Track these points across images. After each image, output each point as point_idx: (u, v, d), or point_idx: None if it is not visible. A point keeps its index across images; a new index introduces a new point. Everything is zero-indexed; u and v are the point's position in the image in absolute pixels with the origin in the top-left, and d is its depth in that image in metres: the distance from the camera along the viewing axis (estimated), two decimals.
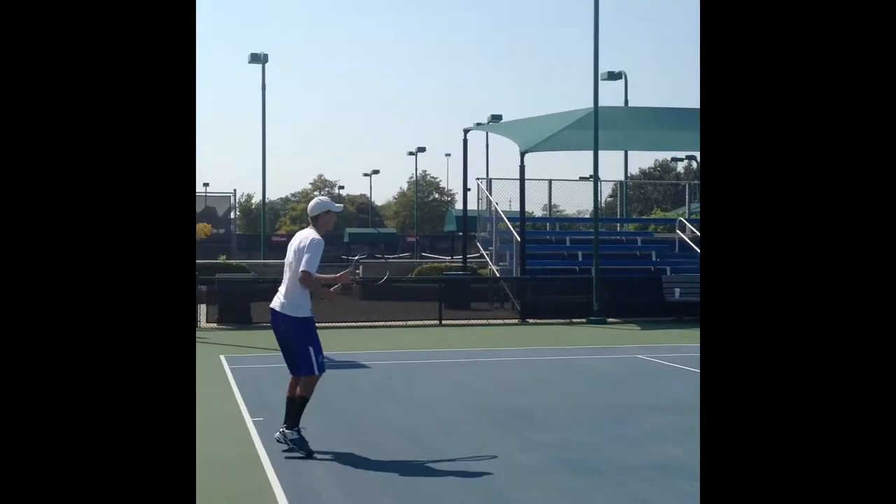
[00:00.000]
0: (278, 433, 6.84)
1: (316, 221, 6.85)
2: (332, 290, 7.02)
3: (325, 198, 7.12)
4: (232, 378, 10.79)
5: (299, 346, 6.74)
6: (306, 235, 6.80)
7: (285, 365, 6.97)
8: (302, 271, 6.60)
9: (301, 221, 77.35)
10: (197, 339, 15.45)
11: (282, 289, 6.84)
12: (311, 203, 6.97)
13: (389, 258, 43.67)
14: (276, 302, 6.83)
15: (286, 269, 6.85)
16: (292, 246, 6.83)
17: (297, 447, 6.66)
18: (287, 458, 6.64)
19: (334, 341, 14.85)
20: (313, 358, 6.72)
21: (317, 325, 6.99)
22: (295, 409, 6.77)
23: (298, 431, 6.73)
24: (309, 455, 6.60)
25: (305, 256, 6.61)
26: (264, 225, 34.79)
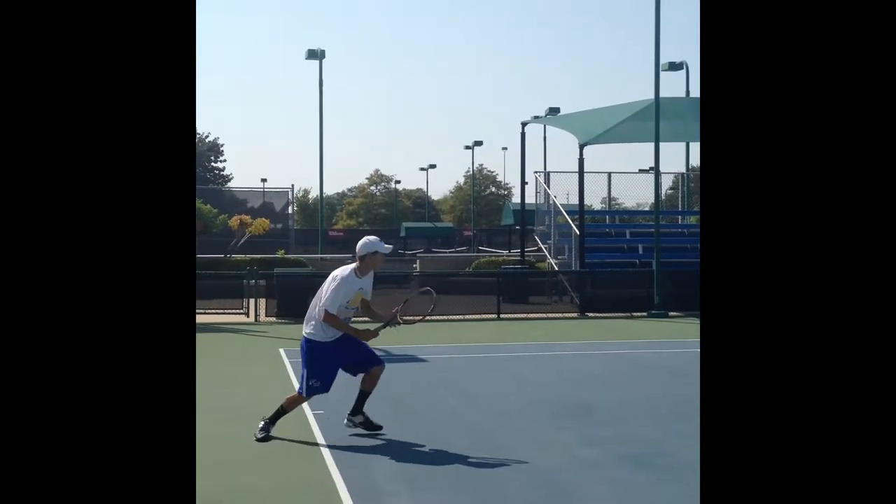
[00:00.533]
0: (346, 420, 7.22)
1: (363, 260, 7.00)
2: (374, 330, 7.13)
3: (374, 238, 7.16)
4: (291, 371, 10.86)
5: (302, 364, 7.11)
6: (337, 275, 6.97)
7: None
8: (322, 310, 6.87)
9: (357, 216, 78.00)
10: (256, 333, 15.62)
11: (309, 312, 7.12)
12: (360, 242, 7.09)
13: (445, 252, 43.69)
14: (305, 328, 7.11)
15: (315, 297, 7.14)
16: (327, 280, 7.04)
17: (366, 427, 7.13)
18: (350, 449, 6.64)
19: (393, 336, 14.85)
20: (304, 381, 7.03)
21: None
22: (274, 414, 7.14)
23: (364, 415, 7.18)
24: (377, 427, 7.10)
25: (326, 296, 6.86)
26: (322, 220, 35.04)
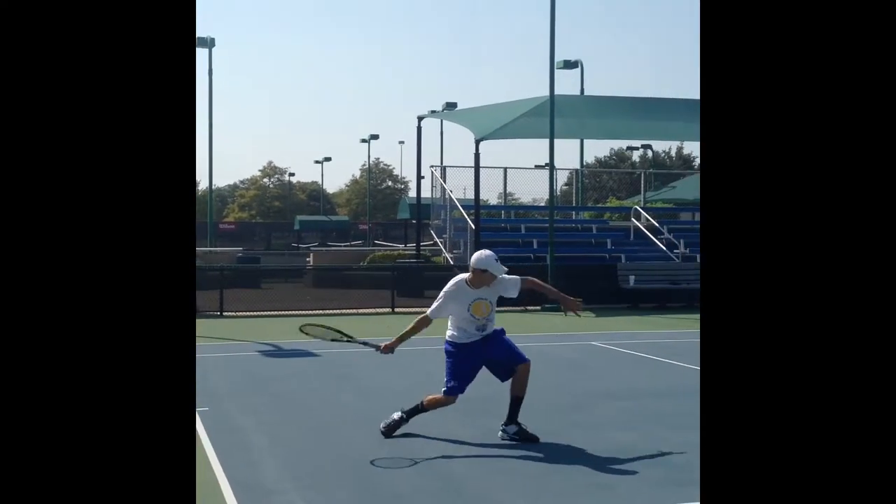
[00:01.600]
0: (501, 432, 6.84)
1: (473, 272, 6.90)
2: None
3: (490, 254, 6.95)
4: None
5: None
6: (455, 281, 6.97)
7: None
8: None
9: (249, 209, 76.62)
10: None
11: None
12: (475, 255, 6.99)
13: (340, 246, 43.35)
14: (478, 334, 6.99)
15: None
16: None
17: (521, 438, 6.71)
18: (234, 449, 6.39)
19: (285, 330, 14.58)
20: (446, 378, 6.88)
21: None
22: (412, 409, 6.98)
23: (518, 425, 6.78)
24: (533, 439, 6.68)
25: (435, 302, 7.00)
26: (211, 212, 34.18)
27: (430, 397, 6.94)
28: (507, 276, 6.96)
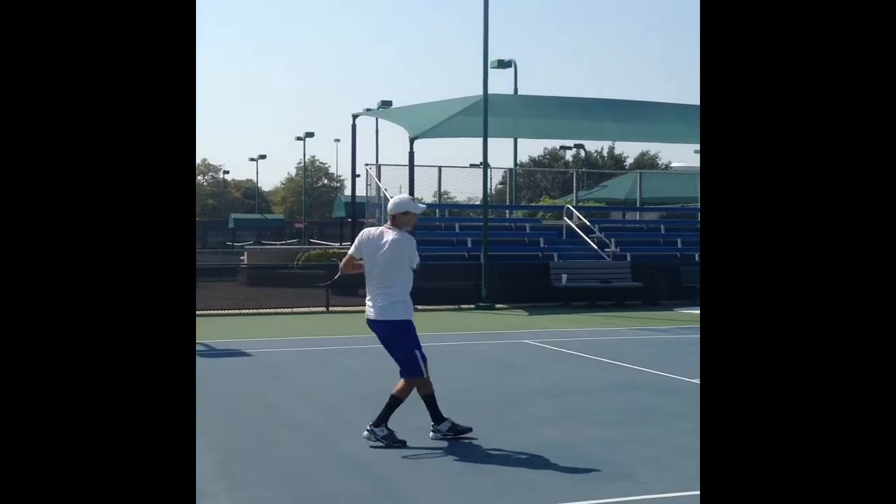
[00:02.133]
0: (366, 430, 6.60)
1: (393, 220, 6.59)
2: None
3: (407, 196, 6.70)
4: None
5: (398, 348, 6.63)
6: (397, 233, 6.51)
7: None
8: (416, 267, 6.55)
9: None
10: None
11: (377, 295, 6.53)
12: (392, 201, 6.70)
13: (275, 245, 43.03)
14: (371, 311, 6.57)
15: (377, 274, 6.54)
16: (375, 248, 6.52)
17: (389, 442, 6.48)
18: None
19: (217, 329, 14.50)
20: (421, 361, 6.60)
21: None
22: (387, 408, 6.59)
23: (386, 427, 6.56)
24: (403, 444, 6.47)
25: (411, 255, 6.50)
26: None
27: (400, 386, 6.62)
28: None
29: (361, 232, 6.78)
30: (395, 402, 6.59)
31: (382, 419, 6.55)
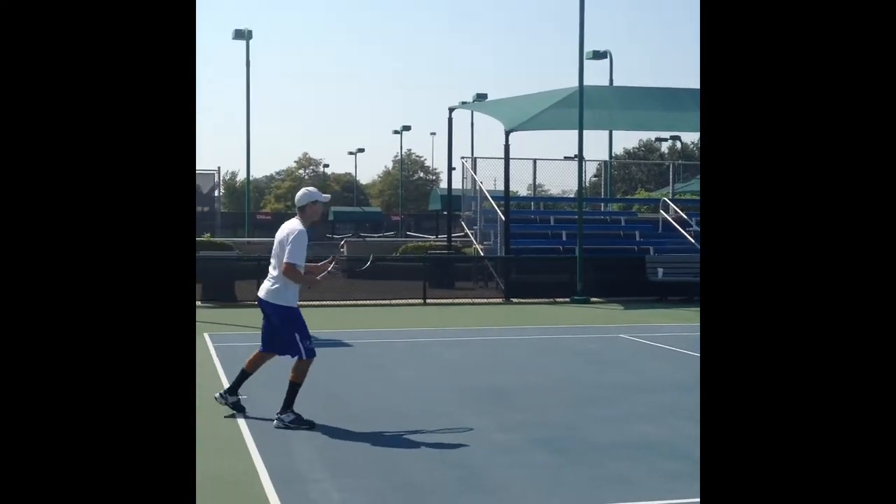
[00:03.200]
0: (276, 420, 7.01)
1: (303, 212, 7.01)
2: (318, 278, 7.24)
3: (313, 188, 7.24)
4: (216, 356, 10.81)
5: (284, 332, 7.04)
6: (292, 228, 6.93)
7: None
8: (286, 263, 6.81)
9: (285, 200, 77.13)
10: None
11: (269, 278, 7.10)
12: (299, 193, 7.12)
13: (373, 237, 43.63)
14: (263, 290, 7.12)
15: (273, 258, 7.07)
16: (279, 237, 6.99)
17: (297, 425, 6.93)
18: (271, 437, 6.69)
19: (318, 320, 14.88)
20: (300, 343, 6.97)
21: (301, 303, 7.25)
22: (288, 393, 7.03)
23: (293, 412, 7.00)
24: (311, 426, 6.93)
25: (288, 248, 6.80)
26: (248, 203, 34.66)
27: (298, 367, 6.98)
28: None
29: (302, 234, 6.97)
30: (293, 387, 7.02)
31: (287, 406, 6.98)
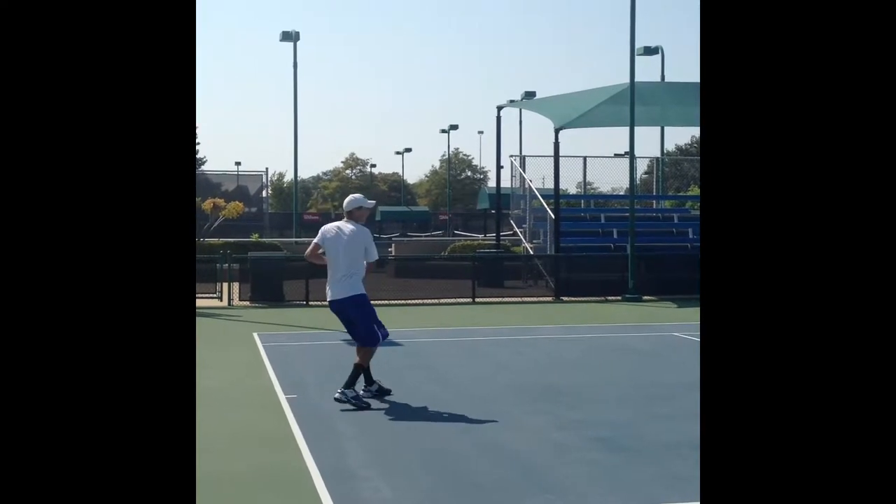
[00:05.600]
0: (338, 393, 7.58)
1: (350, 215, 7.88)
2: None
3: (360, 195, 8.12)
4: (265, 356, 10.81)
5: (360, 320, 7.72)
6: (359, 230, 7.79)
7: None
8: (374, 262, 7.92)
9: (332, 199, 77.67)
10: (230, 317, 15.52)
11: (339, 278, 7.71)
12: (347, 199, 8.03)
13: (420, 236, 43.67)
14: (337, 292, 7.73)
15: (339, 258, 7.70)
16: (344, 239, 7.71)
17: (356, 403, 7.51)
18: (322, 434, 6.62)
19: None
20: (378, 330, 7.77)
21: None
22: (352, 374, 7.66)
23: (354, 390, 7.62)
24: (367, 407, 7.50)
25: (371, 249, 7.80)
26: (296, 203, 34.89)
27: (361, 356, 7.73)
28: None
29: (322, 227, 8.04)
30: (358, 370, 7.71)
31: (350, 384, 7.59)
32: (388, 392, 7.98)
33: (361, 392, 7.73)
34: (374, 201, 8.28)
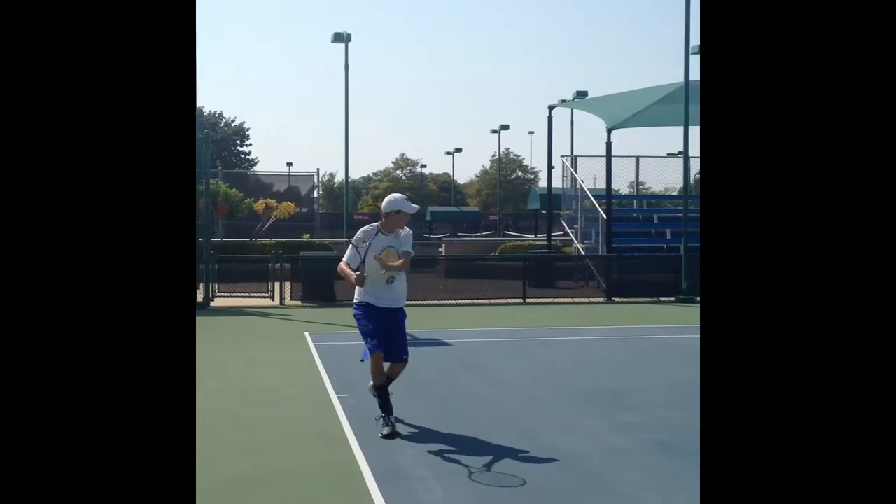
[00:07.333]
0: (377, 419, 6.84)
1: (386, 217, 6.81)
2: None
3: (401, 196, 6.97)
4: (317, 355, 10.85)
5: (403, 332, 6.96)
6: (405, 232, 6.83)
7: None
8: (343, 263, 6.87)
9: (382, 200, 78.02)
10: (282, 317, 15.62)
11: (394, 286, 6.85)
12: (386, 199, 6.95)
13: (471, 236, 43.65)
14: (396, 300, 6.87)
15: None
16: (395, 242, 6.79)
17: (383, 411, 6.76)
18: (374, 434, 6.59)
19: (419, 320, 14.84)
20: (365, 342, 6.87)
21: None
22: (381, 402, 6.86)
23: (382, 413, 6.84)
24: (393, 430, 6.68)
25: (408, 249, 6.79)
26: (347, 203, 35.02)
27: (373, 373, 6.81)
28: (408, 229, 6.86)
29: (357, 236, 6.88)
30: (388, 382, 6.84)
31: (380, 407, 6.76)
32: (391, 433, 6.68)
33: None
34: (416, 206, 7.04)
